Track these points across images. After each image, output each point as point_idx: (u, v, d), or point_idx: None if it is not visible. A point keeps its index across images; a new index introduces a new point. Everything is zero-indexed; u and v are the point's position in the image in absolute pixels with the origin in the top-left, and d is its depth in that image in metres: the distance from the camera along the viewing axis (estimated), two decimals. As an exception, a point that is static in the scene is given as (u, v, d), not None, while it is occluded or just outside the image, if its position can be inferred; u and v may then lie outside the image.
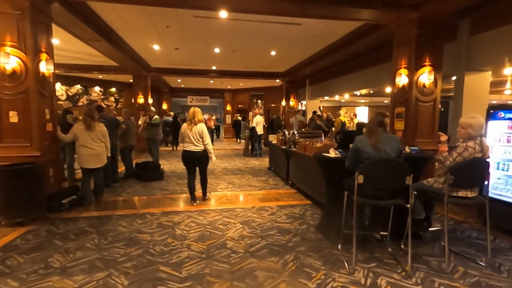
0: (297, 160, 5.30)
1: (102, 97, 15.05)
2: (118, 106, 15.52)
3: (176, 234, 3.38)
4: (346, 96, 11.94)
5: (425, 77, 4.99)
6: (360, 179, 2.48)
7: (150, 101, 12.03)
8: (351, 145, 3.33)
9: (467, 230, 3.57)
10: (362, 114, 18.70)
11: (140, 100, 11.61)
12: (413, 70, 4.99)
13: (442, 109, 6.13)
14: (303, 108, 14.47)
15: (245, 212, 4.20)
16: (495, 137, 3.60)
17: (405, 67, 5.16)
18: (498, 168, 3.56)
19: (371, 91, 10.02)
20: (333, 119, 9.78)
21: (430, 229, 3.34)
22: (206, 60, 10.34)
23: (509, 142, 3.48)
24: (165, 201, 4.75)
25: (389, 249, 3.00)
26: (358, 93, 10.15)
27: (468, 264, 2.74)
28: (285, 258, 2.80)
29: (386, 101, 15.47)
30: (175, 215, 4.05)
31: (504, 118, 3.48)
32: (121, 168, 6.78)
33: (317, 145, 4.56)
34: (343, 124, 9.34)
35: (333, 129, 9.53)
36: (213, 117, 17.70)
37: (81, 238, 3.28)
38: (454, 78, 6.26)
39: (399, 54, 5.31)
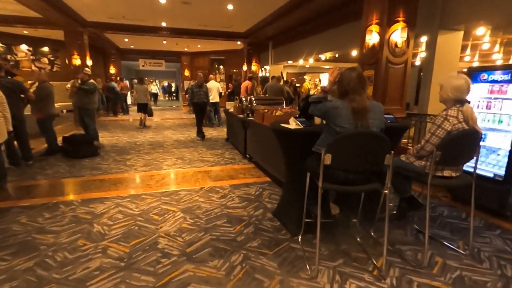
0: (254, 131, 4.60)
1: (31, 57, 12.73)
2: (54, 69, 13.36)
3: (92, 232, 2.58)
4: (311, 61, 11.25)
5: (398, 35, 4.41)
6: (327, 159, 1.85)
7: (89, 62, 10.30)
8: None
9: (437, 207, 3.22)
10: (326, 81, 18.34)
11: (76, 61, 9.86)
12: (385, 26, 4.38)
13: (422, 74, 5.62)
14: (267, 74, 13.60)
15: (190, 195, 3.48)
16: (474, 103, 3.17)
17: (376, 23, 4.52)
18: (473, 138, 3.17)
19: (337, 55, 9.44)
20: (298, 84, 9.12)
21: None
22: (152, 14, 8.85)
23: (489, 108, 3.07)
24: (91, 184, 3.85)
25: (358, 238, 2.51)
26: (323, 57, 9.50)
27: (446, 252, 2.34)
28: (231, 261, 2.17)
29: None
30: (99, 203, 3.21)
31: (487, 81, 3.03)
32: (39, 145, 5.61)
33: (277, 114, 3.87)
34: (308, 90, 8.74)
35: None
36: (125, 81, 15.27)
37: (-50, 246, 2.35)
38: (423, 39, 5.81)
39: (370, 8, 4.63)
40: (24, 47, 12.46)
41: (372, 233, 2.58)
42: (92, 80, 6.04)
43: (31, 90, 5.29)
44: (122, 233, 2.57)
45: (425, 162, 2.21)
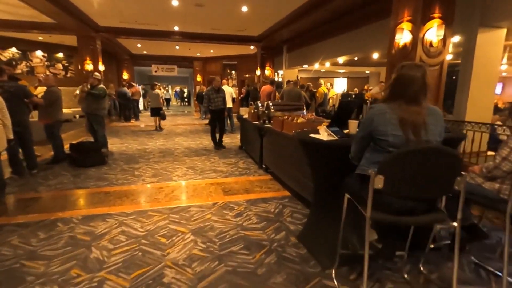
0: (272, 139, 4.20)
1: (46, 63, 12.81)
2: (68, 75, 13.41)
3: (89, 259, 2.22)
4: (327, 64, 10.84)
5: (433, 33, 3.96)
6: (378, 182, 1.43)
7: (102, 67, 10.20)
8: (351, 122, 2.27)
9: (492, 232, 2.72)
10: (340, 86, 17.80)
11: (89, 66, 9.77)
12: (419, 23, 3.94)
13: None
14: (280, 79, 13.24)
15: (202, 212, 3.10)
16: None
17: (408, 20, 4.08)
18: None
19: (356, 58, 8.98)
20: (314, 90, 8.69)
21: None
22: (165, 18, 8.65)
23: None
24: (95, 197, 3.52)
25: (405, 275, 2.06)
26: (341, 60, 9.05)
27: (521, 296, 1.86)
28: (252, 304, 1.77)
29: (368, 71, 14.62)
30: (101, 221, 2.87)
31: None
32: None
33: (298, 121, 3.46)
34: (325, 95, 8.29)
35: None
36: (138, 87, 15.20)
37: None
38: (455, 39, 5.32)
39: (401, 4, 4.19)
40: (39, 53, 12.56)
41: (421, 268, 2.12)
42: (101, 85, 5.81)
43: (39, 95, 5.11)
44: (123, 261, 2.20)
45: (500, 185, 1.75)
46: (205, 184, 4.04)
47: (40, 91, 5.36)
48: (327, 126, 2.25)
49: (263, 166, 4.71)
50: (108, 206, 3.23)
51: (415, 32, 3.99)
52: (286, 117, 3.87)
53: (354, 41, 7.44)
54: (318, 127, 2.72)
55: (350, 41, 7.59)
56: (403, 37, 4.12)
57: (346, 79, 18.22)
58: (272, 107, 4.38)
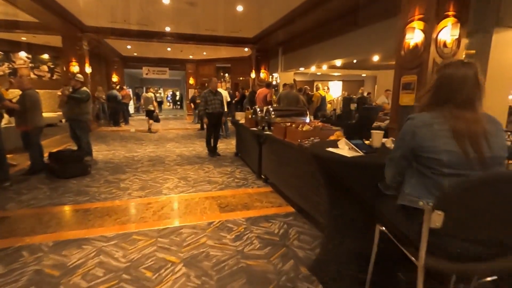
0: (272, 148, 3.82)
1: (30, 65, 12.19)
2: (54, 77, 12.80)
3: (55, 304, 1.79)
4: (324, 67, 10.55)
5: (447, 32, 3.65)
6: (436, 219, 1.05)
7: (88, 69, 9.68)
8: (374, 133, 1.90)
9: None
10: (335, 89, 17.55)
11: (74, 68, 9.23)
12: (433, 22, 3.63)
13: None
14: (276, 82, 12.91)
15: (196, 234, 2.69)
16: None
17: (420, 19, 3.77)
18: None
19: (355, 61, 8.69)
20: (311, 93, 8.36)
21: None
22: (155, 18, 8.22)
23: None
24: (72, 217, 3.07)
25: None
26: (339, 63, 8.74)
27: None
28: None
29: (364, 74, 14.41)
30: (75, 248, 2.42)
31: None
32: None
33: (304, 129, 3.09)
34: (323, 98, 7.96)
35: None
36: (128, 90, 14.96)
37: None
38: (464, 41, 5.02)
39: (411, 1, 3.88)
40: (22, 54, 11.94)
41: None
42: (84, 88, 5.34)
43: (14, 99, 4.63)
44: (97, 306, 1.77)
45: None
46: (198, 199, 3.62)
47: (15, 94, 4.87)
48: (348, 139, 1.87)
49: (262, 176, 4.32)
50: (86, 228, 2.79)
51: (428, 31, 3.67)
52: (289, 124, 3.50)
53: (354, 43, 7.13)
54: (331, 137, 2.36)
55: (350, 43, 7.27)
56: (414, 36, 3.80)
57: (341, 82, 18.01)
58: (272, 113, 4.00)
